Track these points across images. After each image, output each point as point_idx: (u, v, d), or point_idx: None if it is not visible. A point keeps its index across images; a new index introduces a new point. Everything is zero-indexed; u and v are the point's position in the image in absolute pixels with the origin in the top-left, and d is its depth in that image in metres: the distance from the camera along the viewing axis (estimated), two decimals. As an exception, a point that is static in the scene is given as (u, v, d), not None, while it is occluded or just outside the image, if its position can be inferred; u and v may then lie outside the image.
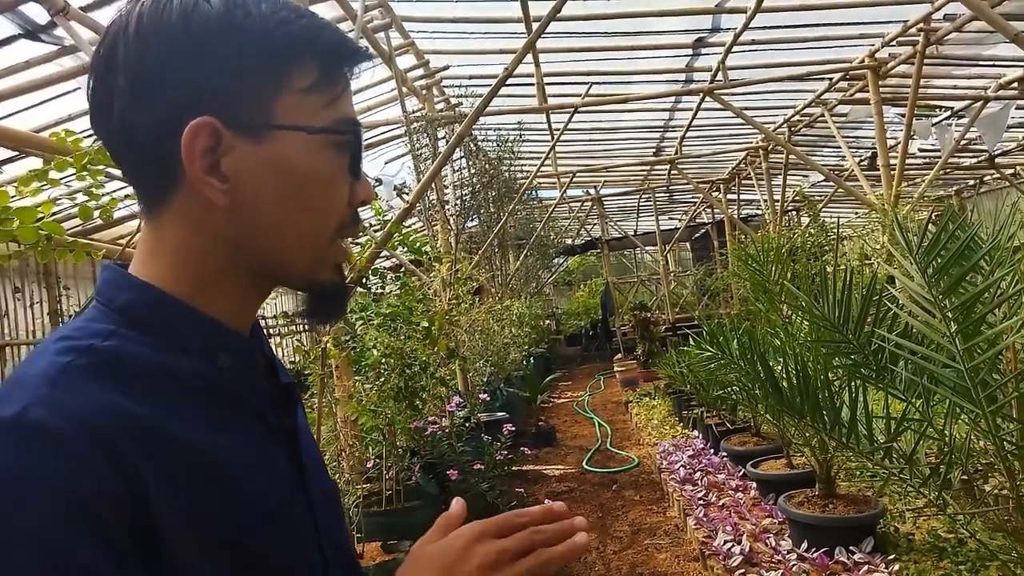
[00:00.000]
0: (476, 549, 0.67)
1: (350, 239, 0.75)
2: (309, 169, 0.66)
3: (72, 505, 0.51)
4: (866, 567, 3.32)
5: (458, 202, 7.07)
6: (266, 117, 0.64)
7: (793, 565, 3.49)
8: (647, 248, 15.83)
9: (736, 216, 12.14)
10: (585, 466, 6.64)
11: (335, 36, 0.68)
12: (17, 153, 4.47)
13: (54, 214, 2.08)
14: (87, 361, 0.59)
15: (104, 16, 3.83)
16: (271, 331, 10.51)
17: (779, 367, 3.17)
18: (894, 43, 6.35)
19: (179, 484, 0.58)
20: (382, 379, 3.79)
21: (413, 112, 6.31)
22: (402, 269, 6.04)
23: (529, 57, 6.29)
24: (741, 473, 4.99)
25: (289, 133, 0.64)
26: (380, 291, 4.11)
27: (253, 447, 0.68)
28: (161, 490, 0.56)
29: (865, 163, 9.12)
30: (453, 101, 7.65)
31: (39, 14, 3.76)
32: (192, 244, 0.66)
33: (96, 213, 2.37)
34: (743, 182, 12.55)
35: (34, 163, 2.36)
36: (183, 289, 0.66)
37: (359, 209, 0.73)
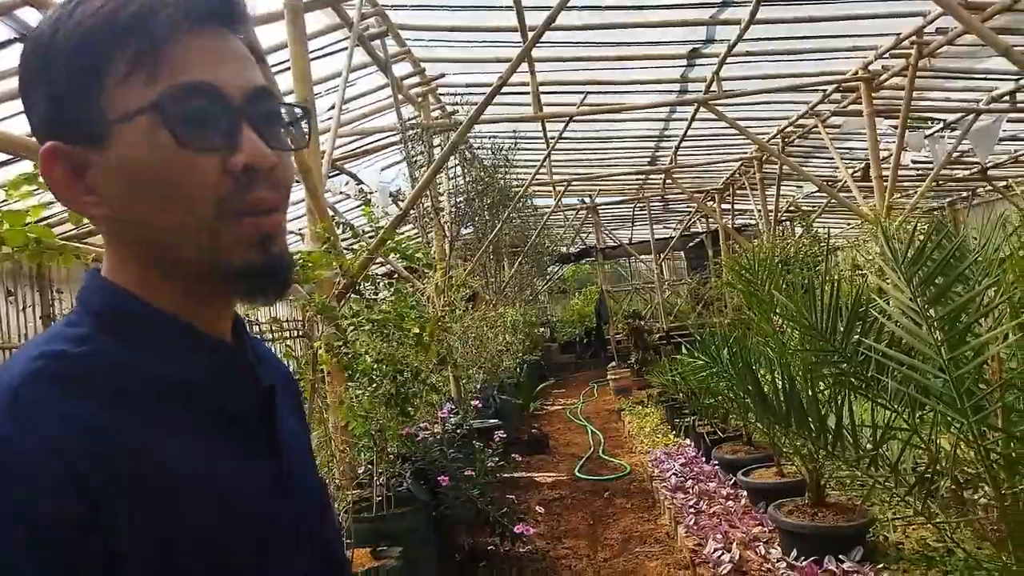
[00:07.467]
0: None
1: (265, 212, 0.65)
2: (153, 154, 0.62)
3: (29, 527, 0.51)
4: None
5: (453, 209, 7.09)
6: (100, 121, 0.62)
7: (782, 573, 3.50)
8: (642, 257, 15.88)
9: (730, 226, 12.18)
10: (577, 473, 6.64)
11: (134, 7, 0.62)
12: (10, 157, 4.48)
13: (46, 218, 2.09)
14: (57, 368, 0.58)
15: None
16: (261, 336, 10.48)
17: (769, 376, 3.18)
18: (887, 55, 6.39)
19: (145, 501, 0.56)
20: (374, 385, 3.78)
21: (409, 119, 6.34)
22: (395, 275, 6.05)
23: (524, 66, 6.31)
24: (732, 481, 5.00)
25: (124, 126, 0.61)
26: (374, 297, 4.10)
27: (228, 453, 0.66)
28: (124, 509, 0.55)
29: (859, 174, 9.17)
30: (449, 109, 7.67)
31: (35, 19, 3.78)
32: (122, 253, 0.68)
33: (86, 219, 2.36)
34: (737, 192, 12.59)
35: (27, 167, 2.37)
36: (146, 293, 0.66)
37: (249, 173, 0.63)
